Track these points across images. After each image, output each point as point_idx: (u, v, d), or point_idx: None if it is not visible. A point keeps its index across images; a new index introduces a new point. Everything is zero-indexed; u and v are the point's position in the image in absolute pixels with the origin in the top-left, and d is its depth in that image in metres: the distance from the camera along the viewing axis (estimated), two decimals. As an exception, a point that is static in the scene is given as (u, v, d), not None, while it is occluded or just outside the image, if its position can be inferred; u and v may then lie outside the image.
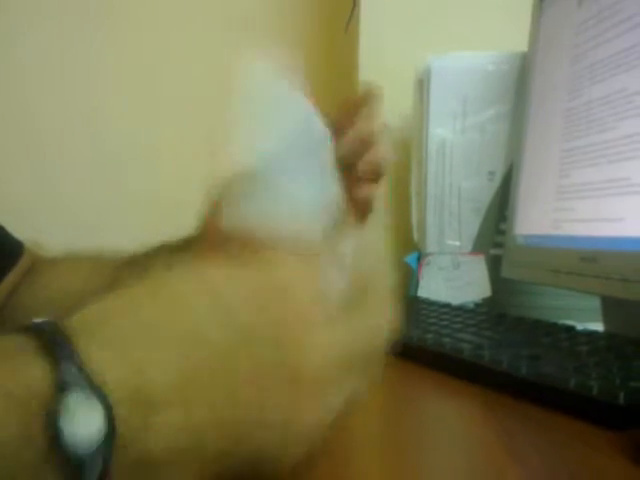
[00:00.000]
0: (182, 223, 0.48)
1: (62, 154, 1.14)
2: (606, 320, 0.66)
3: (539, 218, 0.69)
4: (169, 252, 0.50)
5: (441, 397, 0.48)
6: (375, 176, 0.46)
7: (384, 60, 0.93)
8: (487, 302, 0.79)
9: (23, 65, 1.12)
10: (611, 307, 0.65)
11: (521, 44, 0.76)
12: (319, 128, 0.37)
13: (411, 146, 0.87)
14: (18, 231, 0.62)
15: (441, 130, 0.81)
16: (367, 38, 0.94)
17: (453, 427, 0.42)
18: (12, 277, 0.59)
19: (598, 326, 0.64)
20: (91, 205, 1.14)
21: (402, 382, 0.51)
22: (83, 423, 0.18)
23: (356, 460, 0.35)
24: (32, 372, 0.19)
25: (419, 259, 0.84)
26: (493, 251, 0.80)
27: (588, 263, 0.58)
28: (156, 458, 0.20)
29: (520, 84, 0.78)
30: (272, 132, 0.34)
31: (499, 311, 0.69)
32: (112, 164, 1.15)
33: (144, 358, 0.20)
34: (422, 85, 0.83)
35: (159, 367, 0.20)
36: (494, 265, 0.79)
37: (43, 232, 0.58)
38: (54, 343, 0.19)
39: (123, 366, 0.20)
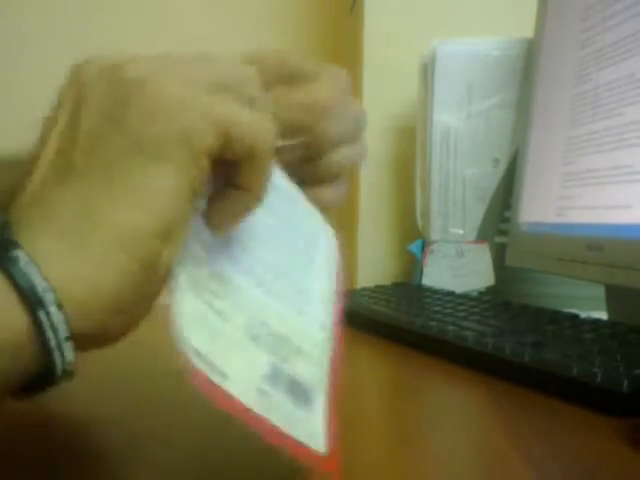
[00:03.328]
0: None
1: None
2: (610, 308, 0.65)
3: (544, 206, 0.68)
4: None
5: (444, 384, 0.48)
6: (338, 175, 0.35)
7: (389, 45, 0.92)
8: (491, 290, 0.79)
9: (24, 53, 1.12)
10: (615, 295, 0.64)
11: (527, 29, 0.76)
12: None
13: (415, 133, 0.86)
14: None
15: (446, 117, 0.81)
16: (372, 22, 0.93)
17: (456, 414, 0.42)
18: None
19: (602, 314, 0.64)
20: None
21: (406, 370, 0.51)
22: None
23: (358, 447, 0.35)
24: None
25: (423, 247, 0.84)
26: (497, 239, 0.80)
27: (593, 251, 0.57)
28: None
29: (526, 70, 0.77)
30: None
31: (503, 299, 0.69)
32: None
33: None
34: (427, 71, 0.82)
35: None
36: (498, 253, 0.79)
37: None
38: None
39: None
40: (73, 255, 0.22)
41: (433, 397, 0.46)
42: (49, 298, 0.21)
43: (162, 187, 0.23)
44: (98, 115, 0.24)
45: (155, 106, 0.23)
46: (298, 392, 0.29)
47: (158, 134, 0.23)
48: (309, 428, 0.29)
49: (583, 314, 0.56)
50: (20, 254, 0.21)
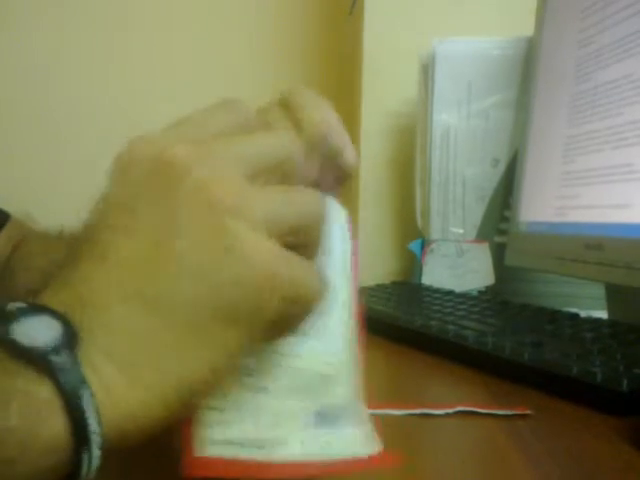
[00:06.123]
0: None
1: (65, 143, 1.14)
2: (610, 308, 0.65)
3: (543, 205, 0.68)
4: None
5: (444, 383, 0.48)
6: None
7: (389, 45, 0.92)
8: (491, 290, 0.79)
9: (30, 62, 1.12)
10: (615, 295, 0.64)
11: (527, 29, 0.76)
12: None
13: (415, 132, 0.86)
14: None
15: (445, 116, 0.81)
16: (371, 22, 0.93)
17: (455, 414, 0.42)
18: None
19: (602, 314, 0.64)
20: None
21: (405, 369, 0.51)
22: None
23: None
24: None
25: (423, 246, 0.84)
26: (497, 239, 0.80)
27: (592, 250, 0.57)
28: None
29: (525, 69, 0.77)
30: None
31: (502, 298, 0.69)
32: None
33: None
34: (426, 70, 0.82)
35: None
36: (498, 253, 0.79)
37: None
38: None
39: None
40: (127, 387, 0.22)
41: (432, 396, 0.46)
42: (97, 440, 0.21)
43: (228, 348, 0.24)
44: (192, 249, 0.23)
45: (244, 274, 0.23)
46: (331, 417, 0.29)
47: (240, 304, 0.23)
48: (360, 439, 0.30)
49: (583, 313, 0.56)
50: (86, 398, 0.21)
